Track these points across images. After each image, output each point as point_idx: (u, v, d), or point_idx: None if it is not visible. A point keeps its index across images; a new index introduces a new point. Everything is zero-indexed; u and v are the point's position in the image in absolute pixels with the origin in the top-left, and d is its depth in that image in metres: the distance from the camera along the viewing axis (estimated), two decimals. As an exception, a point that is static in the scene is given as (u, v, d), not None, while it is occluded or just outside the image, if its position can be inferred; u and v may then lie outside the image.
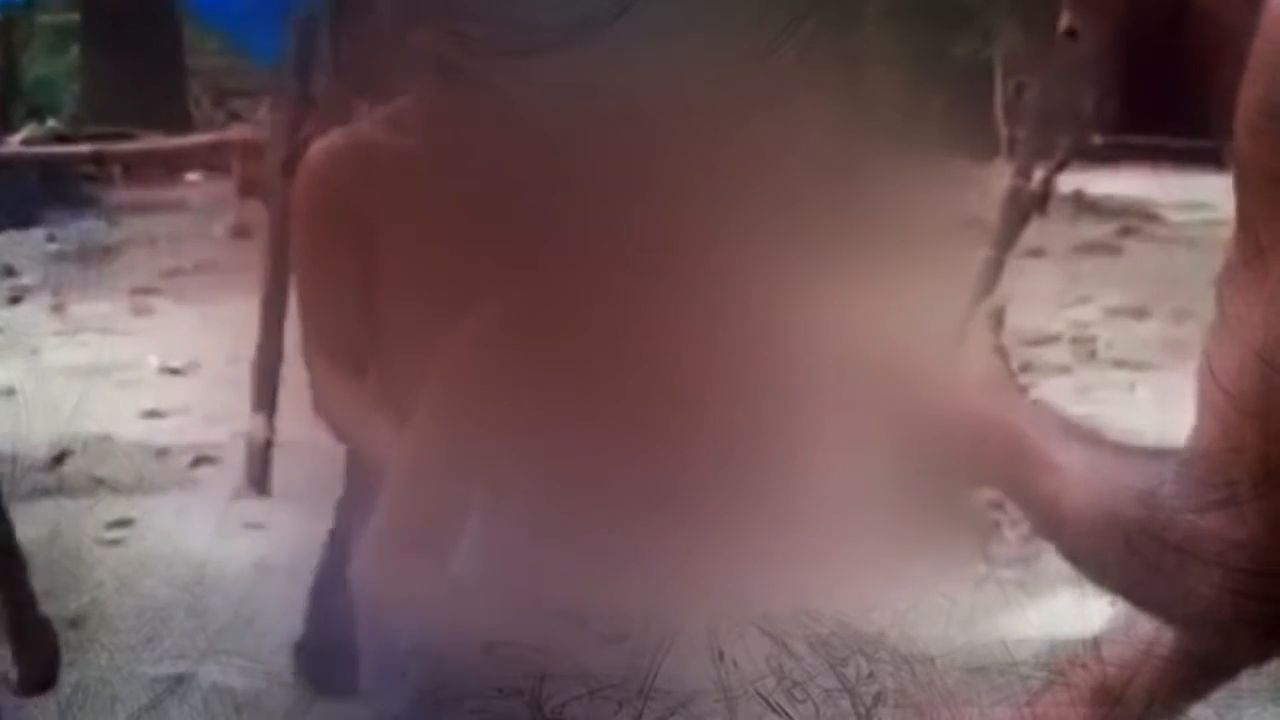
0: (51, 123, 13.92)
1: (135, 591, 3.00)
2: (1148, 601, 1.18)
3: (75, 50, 15.86)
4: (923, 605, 1.58)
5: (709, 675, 1.53)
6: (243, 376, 6.44)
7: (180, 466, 6.33)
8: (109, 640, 4.16)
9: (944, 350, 1.34)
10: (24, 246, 10.59)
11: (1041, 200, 6.22)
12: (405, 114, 2.28)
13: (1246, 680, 1.38)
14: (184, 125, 14.14)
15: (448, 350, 1.86)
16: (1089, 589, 1.20)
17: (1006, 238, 6.05)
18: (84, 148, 12.47)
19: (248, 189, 10.94)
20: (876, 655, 1.52)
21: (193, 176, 13.23)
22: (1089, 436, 1.21)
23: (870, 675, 1.51)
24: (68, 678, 2.93)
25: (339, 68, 6.56)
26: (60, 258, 10.45)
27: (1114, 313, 9.10)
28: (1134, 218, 11.64)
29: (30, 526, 3.21)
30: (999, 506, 1.53)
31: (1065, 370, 7.96)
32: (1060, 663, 1.53)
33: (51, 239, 10.98)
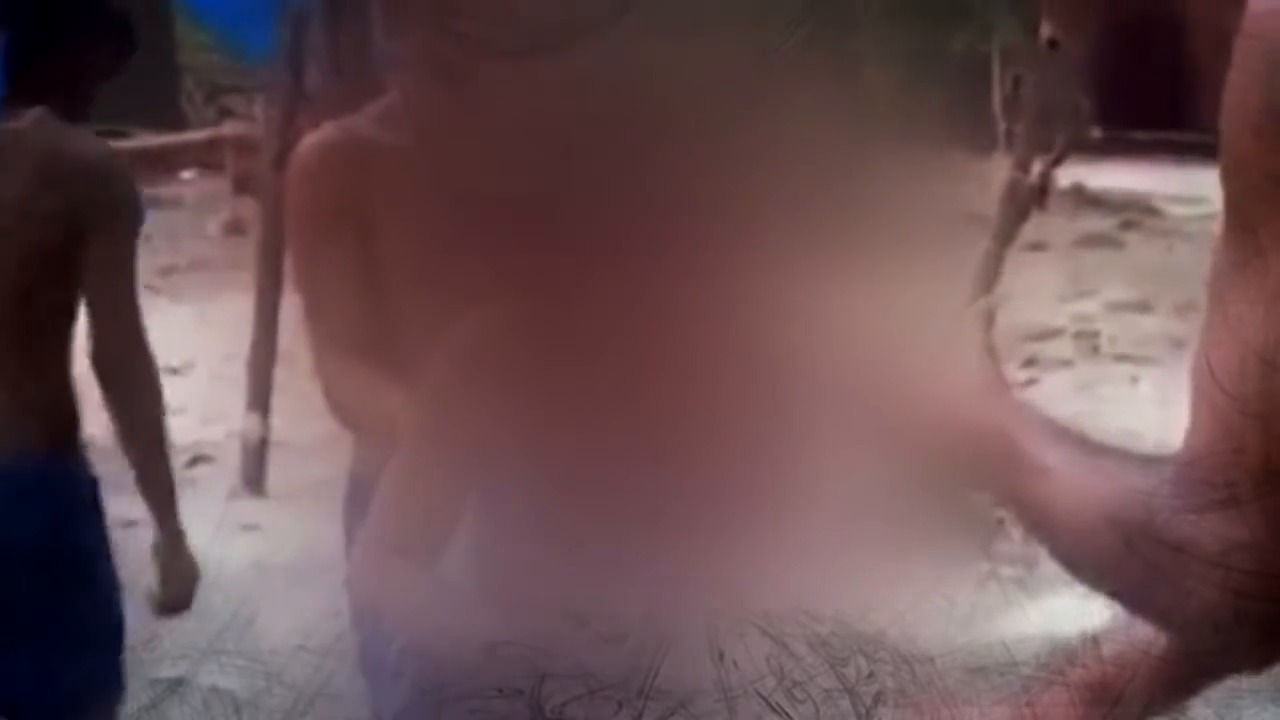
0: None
1: (135, 592, 3.01)
2: (1147, 604, 1.18)
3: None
4: (923, 605, 1.58)
5: (709, 675, 1.53)
6: (239, 375, 6.43)
7: (178, 466, 6.30)
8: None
9: (936, 354, 1.33)
10: (20, 246, 10.54)
11: (1040, 194, 6.23)
12: (397, 110, 2.28)
13: (1246, 680, 1.38)
14: (176, 122, 14.12)
15: (440, 354, 1.86)
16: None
17: (1005, 231, 6.05)
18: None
19: (242, 186, 10.95)
20: (876, 655, 1.51)
21: (187, 174, 13.23)
22: (1079, 439, 1.21)
23: (870, 675, 1.51)
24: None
25: (335, 64, 6.55)
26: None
27: (1116, 307, 9.10)
28: (1135, 211, 11.62)
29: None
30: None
31: (1068, 364, 7.96)
32: (1060, 663, 1.53)
33: (48, 238, 10.94)
